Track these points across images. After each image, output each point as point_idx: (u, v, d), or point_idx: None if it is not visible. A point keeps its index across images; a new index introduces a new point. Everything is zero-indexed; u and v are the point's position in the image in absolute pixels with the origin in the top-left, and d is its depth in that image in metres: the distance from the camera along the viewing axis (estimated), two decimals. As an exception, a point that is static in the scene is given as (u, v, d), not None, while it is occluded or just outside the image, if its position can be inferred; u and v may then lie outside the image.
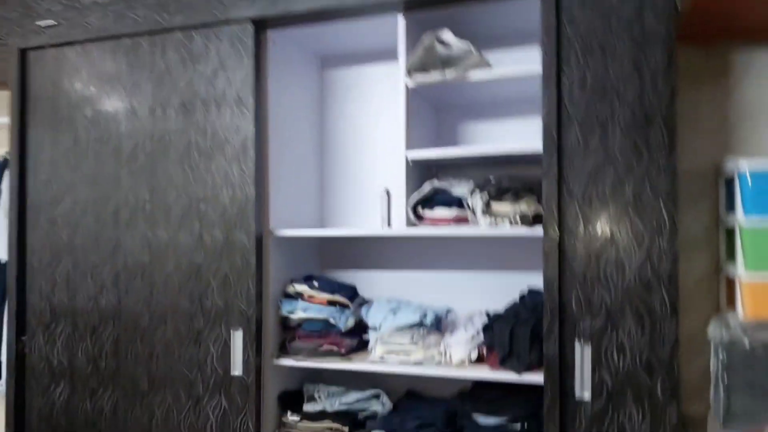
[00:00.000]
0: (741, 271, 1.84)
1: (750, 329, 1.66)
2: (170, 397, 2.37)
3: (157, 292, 2.39)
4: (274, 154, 2.37)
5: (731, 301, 2.03)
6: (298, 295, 2.42)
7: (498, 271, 2.58)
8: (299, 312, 2.38)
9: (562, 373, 1.96)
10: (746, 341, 1.65)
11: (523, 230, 2.14)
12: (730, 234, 2.07)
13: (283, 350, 2.42)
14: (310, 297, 2.40)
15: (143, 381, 2.41)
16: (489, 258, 2.58)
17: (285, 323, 2.46)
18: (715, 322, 1.72)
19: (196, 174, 2.34)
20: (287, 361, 2.36)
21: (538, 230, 2.07)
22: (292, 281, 2.45)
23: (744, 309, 1.80)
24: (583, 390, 1.95)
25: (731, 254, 2.04)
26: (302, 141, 2.63)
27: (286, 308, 2.40)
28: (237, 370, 2.27)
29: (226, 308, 2.30)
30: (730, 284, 2.05)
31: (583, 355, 1.95)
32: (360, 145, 2.74)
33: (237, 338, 2.27)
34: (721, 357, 1.68)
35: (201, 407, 2.32)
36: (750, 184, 1.85)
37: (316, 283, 2.42)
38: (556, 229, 1.96)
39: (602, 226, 1.94)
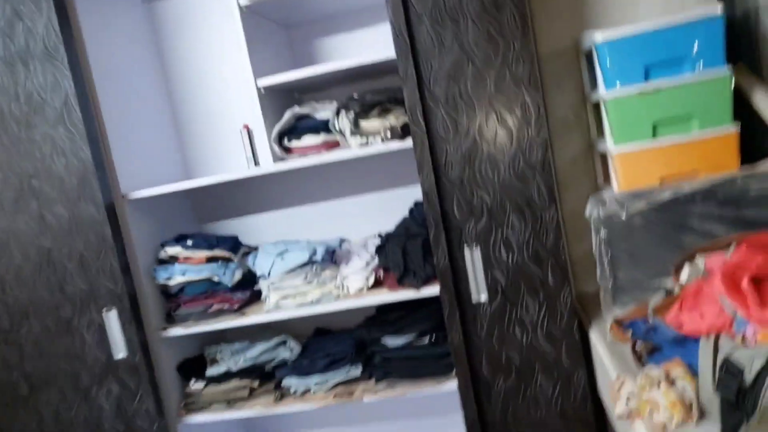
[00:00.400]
0: (610, 144, 1.82)
1: (625, 201, 1.65)
2: (55, 396, 2.15)
3: (9, 289, 2.11)
4: (107, 108, 2.08)
5: (607, 177, 2.04)
6: (173, 259, 2.22)
7: (384, 190, 2.48)
8: (177, 277, 2.19)
9: (456, 279, 1.93)
10: (622, 214, 1.64)
11: (395, 144, 2.02)
12: (598, 109, 2.04)
13: (171, 320, 2.24)
14: (186, 258, 2.21)
15: (22, 386, 2.17)
16: (372, 179, 2.47)
17: (166, 292, 2.27)
18: (591, 200, 1.70)
19: (19, 147, 2.03)
20: (177, 331, 2.19)
21: (409, 142, 1.96)
22: (163, 245, 2.24)
23: (618, 182, 1.79)
24: (480, 293, 1.92)
25: (601, 130, 2.02)
26: (140, 88, 2.33)
27: (161, 276, 2.20)
28: (120, 352, 2.08)
29: (91, 290, 2.07)
30: (604, 160, 2.05)
31: (473, 259, 1.91)
32: (208, 81, 2.47)
33: (111, 319, 2.06)
34: (601, 234, 1.67)
35: (91, 399, 2.13)
36: (607, 55, 1.80)
37: (189, 242, 2.22)
38: (425, 137, 1.86)
39: (470, 126, 1.85)
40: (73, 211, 2.03)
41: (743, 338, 1.00)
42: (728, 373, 1.00)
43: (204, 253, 2.21)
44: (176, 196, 2.47)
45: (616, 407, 1.33)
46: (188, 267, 2.20)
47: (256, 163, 2.20)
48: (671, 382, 1.28)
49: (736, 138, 1.71)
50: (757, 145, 1.84)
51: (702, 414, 1.22)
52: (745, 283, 1.00)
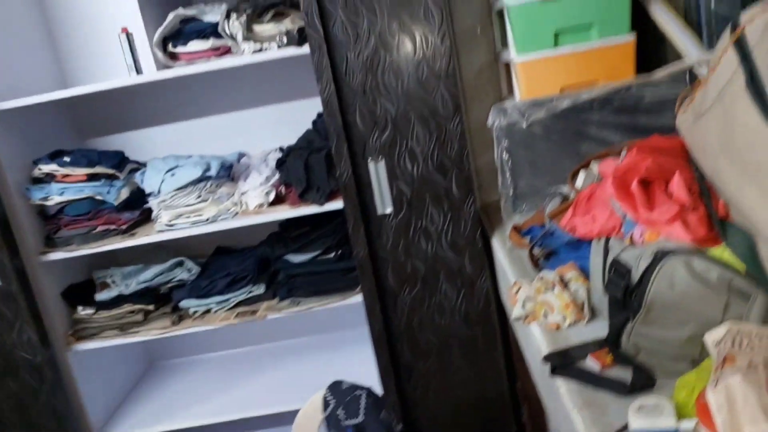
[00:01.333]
0: (513, 54, 1.78)
1: (526, 110, 1.63)
2: None
3: None
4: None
5: (512, 88, 2.01)
6: (49, 177, 2.02)
7: (285, 102, 2.35)
8: (55, 196, 2.00)
9: (360, 192, 1.87)
10: (523, 122, 1.63)
11: (291, 50, 1.88)
12: (502, 18, 1.99)
13: (51, 243, 2.06)
14: (65, 176, 2.01)
15: None
16: (272, 89, 2.33)
17: (43, 213, 2.07)
18: (493, 109, 1.68)
19: None
20: (58, 255, 2.02)
21: (307, 48, 1.82)
22: (36, 163, 2.02)
23: (520, 92, 1.77)
24: (385, 205, 1.89)
25: (505, 40, 1.98)
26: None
27: (36, 195, 2.00)
28: (-6, 280, 1.90)
29: (-47, 213, 1.85)
30: (508, 71, 2.02)
31: (378, 171, 1.86)
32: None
33: (-20, 245, 1.87)
34: (503, 143, 1.66)
35: (-35, 332, 1.95)
36: (512, -43, 1.73)
37: (67, 159, 2.02)
38: (323, 42, 1.74)
39: (371, 31, 1.75)
40: None
41: (631, 239, 1.02)
42: (616, 273, 1.02)
43: (84, 171, 2.02)
44: (52, 108, 2.22)
45: (513, 311, 1.36)
46: (67, 186, 2.01)
47: (138, 71, 2.00)
48: (565, 284, 1.31)
49: (633, 47, 1.71)
50: (652, 56, 1.86)
51: (593, 314, 1.26)
52: (634, 185, 1.01)
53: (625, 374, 1.04)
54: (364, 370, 2.20)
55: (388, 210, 1.90)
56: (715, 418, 0.71)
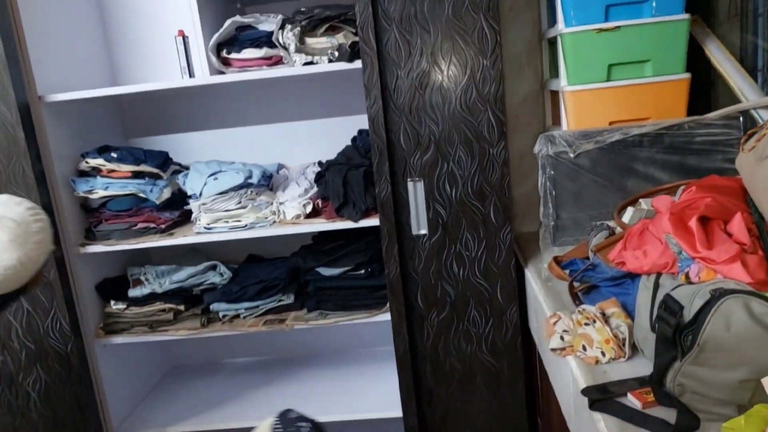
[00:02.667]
0: (564, 82, 1.78)
1: (574, 140, 1.63)
2: (-41, 311, 1.99)
3: None
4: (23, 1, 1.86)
5: (556, 120, 2.01)
6: (95, 171, 2.06)
7: (327, 117, 2.37)
8: (99, 190, 2.04)
9: (397, 212, 1.88)
10: (570, 152, 1.62)
11: (342, 65, 1.90)
12: (553, 48, 1.99)
13: (91, 236, 2.09)
14: (111, 171, 2.05)
15: None
16: (315, 104, 2.36)
17: (86, 206, 2.11)
18: (541, 137, 1.67)
19: None
20: (97, 248, 2.05)
21: (358, 64, 1.85)
22: (84, 156, 2.07)
23: (568, 122, 1.77)
24: (420, 226, 1.88)
25: (555, 70, 1.98)
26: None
27: (82, 188, 2.03)
28: (34, 267, 1.93)
29: (1, 198, 1.89)
30: (555, 100, 2.02)
31: (416, 192, 1.86)
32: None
33: (24, 231, 1.90)
34: (547, 171, 1.65)
35: (-1, 315, 1.98)
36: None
37: (114, 155, 2.05)
38: (375, 59, 1.76)
39: (424, 50, 1.76)
40: (-21, 108, 1.82)
41: (687, 276, 1.01)
42: (667, 310, 1.00)
43: (130, 168, 2.05)
44: (102, 105, 2.28)
45: (550, 342, 1.34)
46: (112, 181, 2.04)
47: (191, 74, 2.04)
48: (606, 319, 1.29)
49: (687, 85, 1.70)
50: (702, 99, 1.85)
51: (634, 352, 1.24)
52: (692, 222, 1.00)
53: (667, 415, 1.01)
54: (384, 389, 2.19)
55: (423, 231, 1.90)
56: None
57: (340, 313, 2.10)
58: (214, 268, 2.27)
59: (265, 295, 2.16)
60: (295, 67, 1.94)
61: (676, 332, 0.98)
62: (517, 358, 1.95)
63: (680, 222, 1.02)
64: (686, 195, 1.07)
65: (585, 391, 1.14)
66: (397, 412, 2.04)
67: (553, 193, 1.66)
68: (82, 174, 2.07)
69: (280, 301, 2.16)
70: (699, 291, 0.94)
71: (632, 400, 1.08)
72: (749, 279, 0.91)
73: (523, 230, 2.24)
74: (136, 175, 2.07)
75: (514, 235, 2.11)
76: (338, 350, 2.57)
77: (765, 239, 0.98)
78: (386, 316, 2.01)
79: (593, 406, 1.10)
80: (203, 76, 1.97)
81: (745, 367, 0.89)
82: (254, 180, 2.07)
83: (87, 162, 2.04)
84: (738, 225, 0.96)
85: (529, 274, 1.85)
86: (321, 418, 2.15)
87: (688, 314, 0.95)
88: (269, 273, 2.22)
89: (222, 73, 2.01)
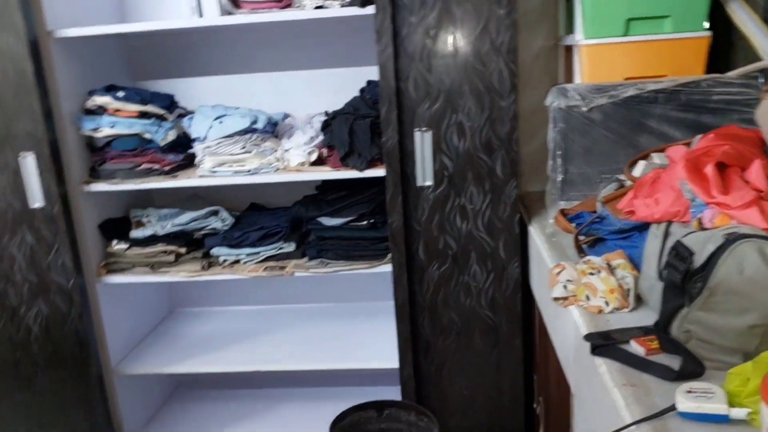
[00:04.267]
0: (580, 36, 1.75)
1: (587, 94, 1.60)
2: (-40, 244, 1.99)
3: None
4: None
5: (569, 77, 1.98)
6: (101, 110, 2.03)
7: (336, 67, 2.34)
8: (105, 129, 2.01)
9: (403, 162, 1.86)
10: (583, 106, 1.60)
11: (354, 10, 1.86)
12: (570, 1, 1.95)
13: (95, 175, 2.08)
14: (116, 110, 2.02)
15: None
16: (325, 53, 2.32)
17: (91, 144, 2.09)
18: (553, 90, 1.65)
19: None
20: (100, 186, 2.04)
21: (370, 10, 1.81)
22: (91, 94, 2.04)
23: (582, 76, 1.74)
24: (425, 177, 1.87)
25: (570, 25, 1.94)
26: None
27: (87, 126, 2.01)
28: (37, 201, 1.92)
29: (7, 130, 1.87)
30: (569, 56, 1.99)
31: (423, 142, 1.84)
32: None
33: (29, 164, 1.89)
34: (558, 125, 1.63)
35: (2, 247, 1.98)
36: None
37: (121, 94, 2.02)
38: (388, 3, 1.72)
39: (439, -4, 1.73)
40: (-13, 38, 1.79)
41: (699, 222, 1.00)
42: (677, 256, 0.99)
43: (136, 107, 2.03)
44: (110, 44, 2.24)
45: (553, 291, 1.34)
46: (118, 120, 2.02)
47: (201, 13, 2.00)
48: (611, 270, 1.29)
49: (707, 44, 1.67)
50: (723, 60, 1.82)
51: (638, 304, 1.24)
52: (709, 168, 0.98)
53: (670, 362, 1.01)
54: (382, 340, 2.20)
55: (428, 183, 1.88)
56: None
57: (341, 262, 2.10)
58: (215, 213, 2.26)
59: (266, 242, 2.15)
60: (306, 10, 1.90)
61: (685, 278, 0.98)
62: (515, 315, 1.96)
63: (695, 168, 1.00)
64: (703, 142, 1.06)
65: (587, 337, 1.14)
66: (393, 363, 2.06)
67: (563, 147, 1.65)
68: (88, 112, 2.04)
69: (280, 248, 2.16)
70: (712, 237, 0.93)
71: (635, 347, 1.08)
72: (765, 225, 0.90)
73: (528, 189, 2.23)
74: (142, 115, 2.04)
75: (519, 193, 2.10)
76: (337, 303, 2.58)
77: (781, 189, 0.97)
78: (387, 268, 2.01)
79: (595, 351, 1.10)
80: (213, 17, 1.93)
81: (755, 312, 0.88)
82: (260, 125, 2.05)
83: (93, 100, 2.01)
84: (756, 172, 0.95)
85: (533, 231, 1.84)
86: (317, 367, 2.17)
87: (699, 260, 0.95)
88: (271, 221, 2.21)
89: (232, 14, 1.97)
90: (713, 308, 0.92)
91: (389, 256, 1.98)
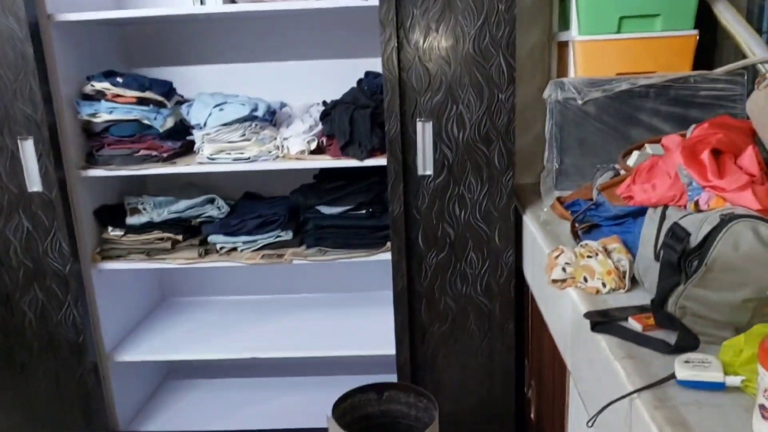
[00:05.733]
0: (575, 33, 1.81)
1: (582, 88, 1.67)
2: (-44, 227, 1.98)
3: None
4: None
5: (562, 72, 2.05)
6: (100, 95, 2.04)
7: (334, 59, 2.37)
8: (103, 114, 2.02)
9: (404, 151, 1.90)
10: (578, 99, 1.66)
11: (358, 1, 1.90)
12: (564, 1, 2.02)
13: (93, 161, 2.08)
14: (115, 96, 2.03)
15: None
16: (324, 44, 2.35)
17: (89, 130, 2.10)
18: (551, 84, 1.71)
19: None
20: (98, 172, 2.05)
21: (374, 1, 1.85)
22: (90, 79, 2.04)
23: (576, 71, 1.80)
24: (426, 167, 1.92)
25: (565, 22, 2.01)
26: None
27: (86, 111, 2.02)
28: (35, 185, 1.93)
29: (6, 114, 1.87)
30: (562, 52, 2.05)
31: (424, 132, 1.89)
32: None
33: (27, 148, 1.89)
34: (555, 117, 1.69)
35: (-1, 231, 1.98)
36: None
37: (120, 79, 2.04)
38: (393, -7, 1.76)
39: (441, -11, 1.77)
40: (-12, 19, 1.79)
41: (696, 205, 1.06)
42: (674, 236, 1.05)
43: (135, 93, 2.04)
44: (109, 30, 2.25)
45: (552, 274, 1.39)
46: (116, 105, 2.03)
47: (203, 1, 2.02)
48: (608, 253, 1.35)
49: (695, 42, 1.75)
50: (709, 58, 1.90)
51: (634, 285, 1.30)
52: (705, 153, 1.05)
53: (666, 337, 1.08)
54: (379, 329, 2.25)
55: (429, 172, 1.93)
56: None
57: (340, 250, 2.14)
58: (212, 201, 2.29)
59: (264, 230, 2.18)
60: (310, 0, 1.94)
61: (681, 257, 1.04)
62: (509, 300, 2.02)
63: (692, 154, 1.07)
64: (698, 131, 1.12)
65: (587, 315, 1.20)
66: (389, 350, 2.10)
67: (559, 138, 1.71)
68: (87, 98, 2.05)
69: (278, 237, 2.19)
70: (708, 218, 1.00)
71: (633, 324, 1.14)
72: (758, 206, 0.97)
73: (522, 181, 2.29)
74: (141, 101, 2.05)
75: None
76: (334, 294, 2.62)
77: (772, 175, 1.03)
78: (385, 256, 2.05)
79: (595, 328, 1.16)
80: (215, 4, 1.95)
81: (749, 287, 0.95)
82: (260, 113, 2.08)
83: (92, 85, 2.02)
84: (749, 158, 1.01)
85: (527, 220, 1.90)
86: (313, 354, 2.20)
87: (695, 240, 1.01)
88: (268, 209, 2.24)
89: (234, 2, 1.99)
90: (709, 284, 0.98)
91: (387, 244, 2.03)
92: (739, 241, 0.94)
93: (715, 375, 0.92)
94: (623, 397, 0.96)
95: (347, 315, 2.43)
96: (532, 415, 1.97)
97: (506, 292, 2.01)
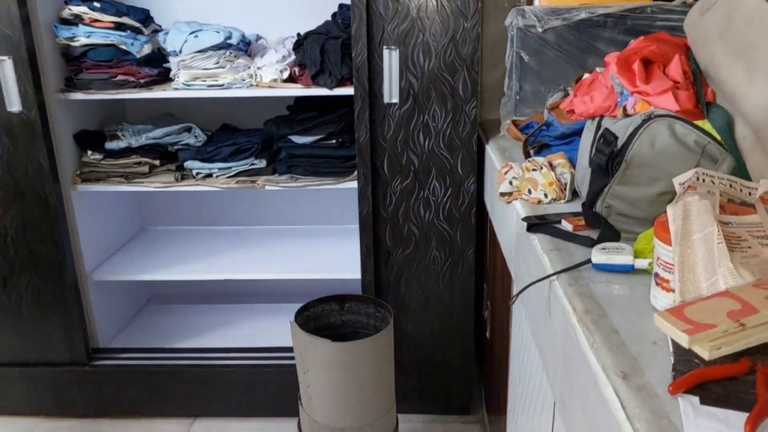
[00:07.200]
0: (539, -36, 1.86)
1: (543, 16, 1.72)
2: (-63, 146, 2.04)
3: None
4: None
5: (531, 2, 2.10)
6: (77, 19, 2.07)
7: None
8: (81, 38, 2.06)
9: (371, 79, 1.96)
10: (539, 27, 1.72)
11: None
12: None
13: (71, 85, 2.13)
14: (93, 20, 2.07)
15: None
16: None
17: (68, 54, 2.14)
18: (513, 11, 1.77)
19: None
20: (76, 96, 2.10)
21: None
22: (67, 2, 2.07)
23: (540, 1, 1.86)
24: (392, 94, 1.98)
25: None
26: None
27: (63, 34, 2.06)
28: (15, 105, 1.98)
29: (-18, 33, 1.91)
30: (530, -14, 2.10)
31: (391, 60, 1.94)
32: None
33: (6, 68, 1.93)
34: (515, 44, 1.75)
35: (-22, 152, 2.04)
36: None
37: (97, 4, 2.07)
38: None
39: None
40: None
41: (624, 110, 1.14)
42: (604, 141, 1.14)
43: (112, 18, 2.08)
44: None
45: (500, 187, 1.48)
46: (94, 30, 2.07)
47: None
48: (552, 168, 1.44)
49: (654, -26, 1.80)
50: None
51: (574, 196, 1.40)
52: (636, 63, 1.12)
53: (595, 235, 1.17)
54: (345, 255, 2.35)
55: (395, 100, 2.00)
56: (670, 227, 0.84)
57: (311, 178, 2.22)
58: (189, 130, 2.35)
59: (239, 157, 2.25)
60: (282, -73, 1.96)
61: (609, 160, 1.12)
62: (470, 227, 2.12)
63: (625, 64, 1.14)
64: (634, 44, 1.20)
65: (525, 219, 1.30)
66: (356, 274, 2.20)
67: (519, 65, 1.78)
68: (64, 22, 2.08)
69: (252, 164, 2.26)
70: (632, 120, 1.08)
71: (565, 225, 1.24)
72: (677, 107, 1.05)
73: (488, 117, 2.36)
74: (118, 26, 2.09)
75: (480, 120, 2.23)
76: (306, 225, 2.71)
77: (698, 85, 1.11)
78: (353, 184, 2.13)
79: (530, 229, 1.26)
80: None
81: (663, 182, 1.04)
82: (234, 41, 2.12)
83: (70, 9, 2.06)
84: (675, 66, 1.09)
85: (489, 149, 1.98)
86: (284, 276, 2.31)
87: (622, 141, 1.09)
88: (244, 138, 2.31)
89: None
90: (629, 180, 1.08)
91: (356, 173, 2.11)
92: (655, 138, 1.03)
93: (625, 258, 1.01)
94: (544, 278, 1.06)
95: (317, 244, 2.53)
96: (487, 334, 2.09)
97: (467, 219, 2.11)
